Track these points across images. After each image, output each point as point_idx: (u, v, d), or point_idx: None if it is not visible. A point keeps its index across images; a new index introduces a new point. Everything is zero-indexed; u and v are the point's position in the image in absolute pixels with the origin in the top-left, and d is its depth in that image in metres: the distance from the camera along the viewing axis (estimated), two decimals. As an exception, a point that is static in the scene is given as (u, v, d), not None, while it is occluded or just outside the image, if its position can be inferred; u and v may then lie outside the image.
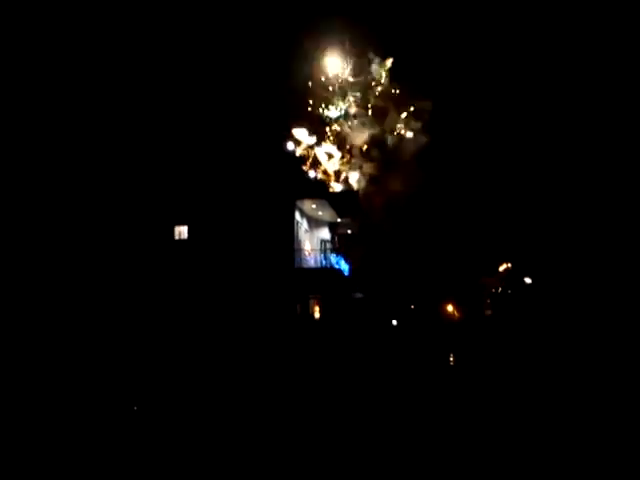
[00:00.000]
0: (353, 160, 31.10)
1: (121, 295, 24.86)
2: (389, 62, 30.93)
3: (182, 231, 26.58)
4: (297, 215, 29.04)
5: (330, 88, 31.19)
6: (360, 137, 30.95)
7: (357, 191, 30.97)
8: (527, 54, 29.92)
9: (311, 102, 31.92)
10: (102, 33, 28.46)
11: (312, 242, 31.10)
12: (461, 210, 30.93)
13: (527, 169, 30.08)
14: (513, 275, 30.73)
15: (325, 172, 30.98)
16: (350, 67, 31.55)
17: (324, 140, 31.57)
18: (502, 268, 31.31)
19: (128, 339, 23.14)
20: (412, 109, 31.17)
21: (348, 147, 31.56)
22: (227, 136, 27.48)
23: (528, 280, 30.21)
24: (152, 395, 16.51)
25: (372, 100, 31.42)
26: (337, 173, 31.01)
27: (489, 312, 30.53)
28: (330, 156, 30.86)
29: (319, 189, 30.29)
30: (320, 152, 31.55)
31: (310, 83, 31.77)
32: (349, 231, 32.60)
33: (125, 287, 25.09)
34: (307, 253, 29.36)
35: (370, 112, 31.51)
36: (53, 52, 27.42)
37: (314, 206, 29.86)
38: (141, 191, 26.52)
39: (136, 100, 27.76)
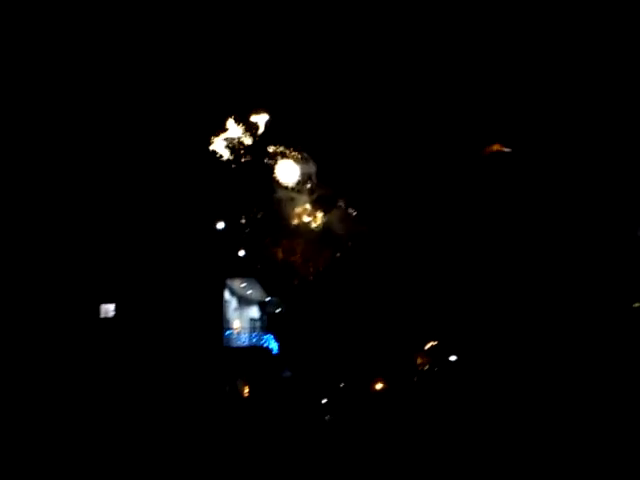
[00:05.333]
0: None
1: (45, 376, 23.83)
2: None
3: (108, 309, 26.06)
4: (226, 294, 29.09)
5: None
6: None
7: (286, 268, 31.35)
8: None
9: None
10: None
11: (241, 321, 31.05)
12: (386, 288, 31.68)
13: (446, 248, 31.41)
14: (439, 353, 31.41)
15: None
16: None
17: None
18: (428, 346, 31.97)
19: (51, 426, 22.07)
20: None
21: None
22: (156, 213, 27.52)
23: (453, 357, 30.94)
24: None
25: None
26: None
27: (417, 388, 30.89)
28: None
29: (249, 268, 30.52)
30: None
31: None
32: (278, 310, 32.73)
33: (48, 369, 24.11)
34: (236, 332, 29.25)
35: None
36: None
37: (243, 285, 30.06)
38: (66, 269, 25.97)
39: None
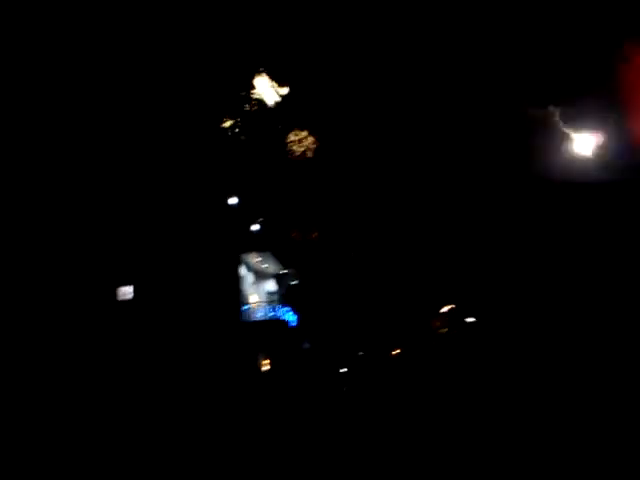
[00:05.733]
0: None
1: (63, 362, 24.27)
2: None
3: (126, 291, 26.37)
4: (243, 269, 29.35)
5: None
6: None
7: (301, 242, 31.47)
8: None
9: None
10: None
11: (259, 295, 31.38)
12: (402, 254, 31.68)
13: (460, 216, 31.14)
14: (456, 315, 31.49)
15: None
16: None
17: None
18: (445, 309, 32.04)
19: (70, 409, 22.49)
20: None
21: None
22: (168, 193, 27.62)
23: (471, 319, 30.96)
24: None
25: None
26: None
27: (434, 352, 31.05)
28: None
29: (263, 242, 30.71)
30: None
31: None
32: (294, 282, 32.98)
33: (67, 354, 24.53)
34: (254, 306, 29.59)
35: None
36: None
37: (259, 259, 30.31)
38: (82, 252, 26.23)
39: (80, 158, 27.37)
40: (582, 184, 26.40)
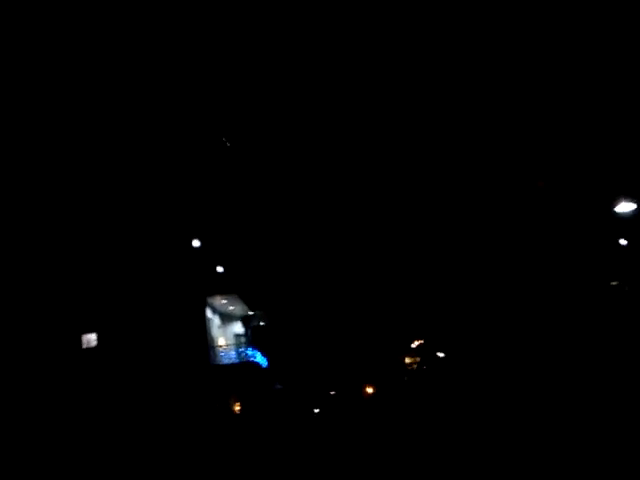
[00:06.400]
0: None
1: (30, 416, 23.24)
2: None
3: (90, 339, 25.55)
4: (208, 312, 28.81)
5: None
6: None
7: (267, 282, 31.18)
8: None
9: None
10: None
11: (226, 337, 30.79)
12: (370, 294, 31.67)
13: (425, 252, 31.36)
14: (427, 350, 31.43)
15: None
16: None
17: None
18: (415, 345, 32.02)
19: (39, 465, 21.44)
20: None
21: None
22: (130, 237, 27.11)
23: (441, 354, 30.97)
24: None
25: None
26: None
27: (407, 388, 30.90)
28: None
29: (228, 284, 30.26)
30: None
31: None
32: (262, 323, 32.55)
33: (33, 405, 23.53)
34: (222, 349, 28.99)
35: None
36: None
37: (224, 301, 29.83)
38: (43, 299, 25.41)
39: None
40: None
